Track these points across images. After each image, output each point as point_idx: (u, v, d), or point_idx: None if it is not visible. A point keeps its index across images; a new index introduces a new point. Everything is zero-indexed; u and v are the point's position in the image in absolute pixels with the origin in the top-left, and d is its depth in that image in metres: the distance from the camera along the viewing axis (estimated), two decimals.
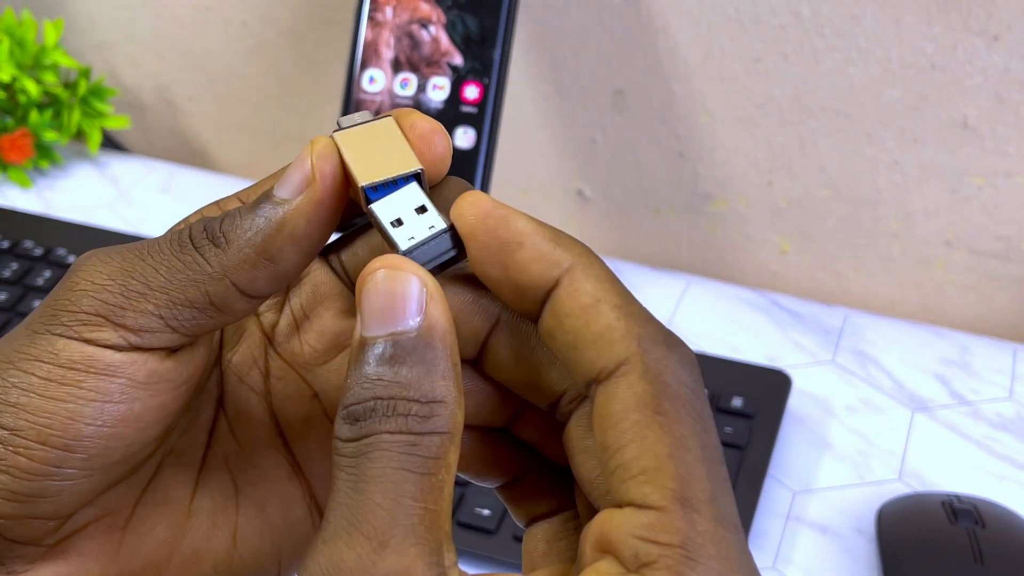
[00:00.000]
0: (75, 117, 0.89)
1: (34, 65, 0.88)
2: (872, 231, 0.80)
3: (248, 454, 0.31)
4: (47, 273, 0.76)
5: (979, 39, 0.71)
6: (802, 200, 0.81)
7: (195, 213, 0.29)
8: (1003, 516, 0.60)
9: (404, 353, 0.24)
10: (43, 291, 0.75)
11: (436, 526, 0.23)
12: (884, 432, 0.68)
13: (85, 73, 0.90)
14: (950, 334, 0.76)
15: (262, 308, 0.31)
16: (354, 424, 0.24)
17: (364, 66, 0.75)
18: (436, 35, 0.74)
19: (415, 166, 0.27)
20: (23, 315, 0.72)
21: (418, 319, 0.24)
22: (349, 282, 0.31)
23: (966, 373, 0.73)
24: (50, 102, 0.90)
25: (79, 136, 0.92)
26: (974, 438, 0.68)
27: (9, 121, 0.89)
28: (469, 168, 0.73)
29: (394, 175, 0.27)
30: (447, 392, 0.24)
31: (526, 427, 0.28)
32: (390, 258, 0.25)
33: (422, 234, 0.26)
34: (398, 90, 0.74)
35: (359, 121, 0.28)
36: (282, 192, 0.27)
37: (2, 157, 0.88)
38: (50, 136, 0.89)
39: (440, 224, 0.26)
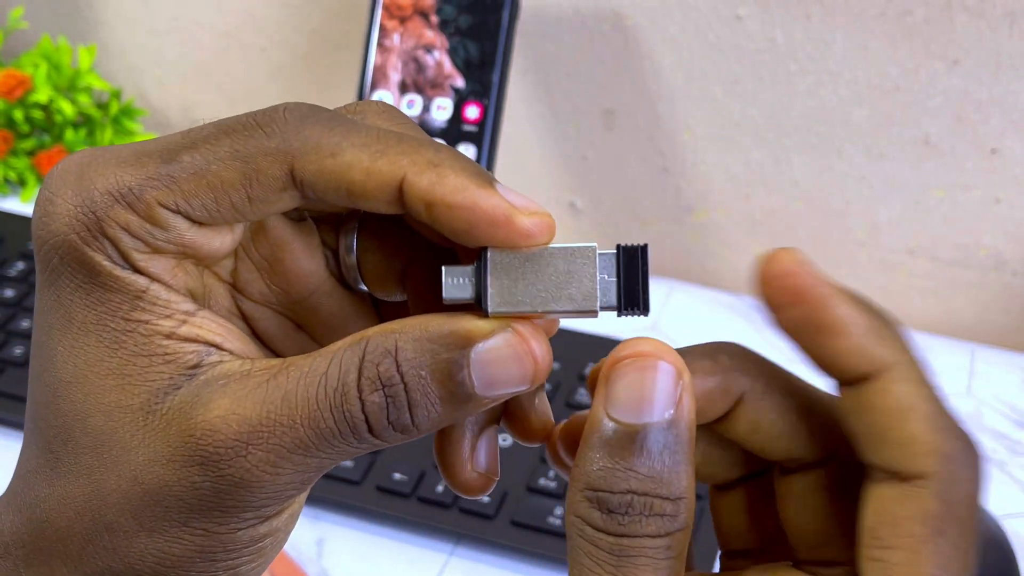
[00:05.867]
0: (107, 135, 0.89)
1: (69, 87, 0.88)
2: (841, 240, 0.81)
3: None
4: None
5: (940, 63, 0.71)
6: (777, 211, 0.81)
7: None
8: None
9: (657, 446, 0.23)
10: None
11: None
12: None
13: (116, 95, 0.90)
14: (913, 335, 0.76)
15: (218, 265, 0.28)
16: (609, 515, 0.22)
17: (373, 88, 0.75)
18: (440, 59, 0.74)
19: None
20: None
21: (671, 412, 0.23)
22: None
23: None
24: (84, 121, 0.90)
25: None
26: None
27: (46, 139, 0.89)
28: None
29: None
30: (688, 487, 0.23)
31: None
32: (640, 344, 0.24)
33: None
34: (404, 110, 0.74)
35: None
36: (483, 389, 0.24)
37: (40, 173, 0.88)
38: None
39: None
